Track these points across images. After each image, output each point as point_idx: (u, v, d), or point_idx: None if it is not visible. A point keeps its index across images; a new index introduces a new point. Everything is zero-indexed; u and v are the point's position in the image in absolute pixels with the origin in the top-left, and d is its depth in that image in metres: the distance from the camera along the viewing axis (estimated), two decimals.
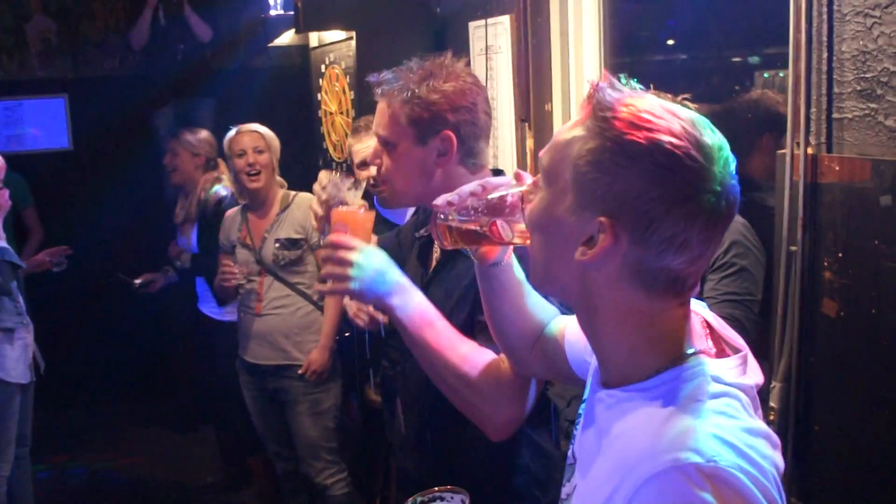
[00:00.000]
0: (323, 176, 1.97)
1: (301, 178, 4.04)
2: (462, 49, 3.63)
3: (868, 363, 1.88)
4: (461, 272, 1.77)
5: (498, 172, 1.90)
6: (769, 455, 0.97)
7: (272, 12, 5.17)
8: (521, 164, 3.33)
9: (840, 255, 1.93)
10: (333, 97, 4.75)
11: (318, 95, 5.01)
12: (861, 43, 1.86)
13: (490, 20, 3.46)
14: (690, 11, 3.19)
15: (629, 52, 3.37)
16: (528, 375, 1.60)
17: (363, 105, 4.03)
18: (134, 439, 5.47)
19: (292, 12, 4.42)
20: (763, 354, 2.09)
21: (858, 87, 1.88)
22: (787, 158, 2.04)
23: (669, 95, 1.87)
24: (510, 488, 1.77)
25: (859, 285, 1.89)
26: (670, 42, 3.49)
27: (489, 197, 1.32)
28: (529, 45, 3.21)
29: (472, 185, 1.37)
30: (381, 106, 1.82)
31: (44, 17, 5.74)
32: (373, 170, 1.90)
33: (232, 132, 3.76)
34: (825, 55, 1.95)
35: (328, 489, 3.72)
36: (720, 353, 1.08)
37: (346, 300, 2.92)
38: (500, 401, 1.59)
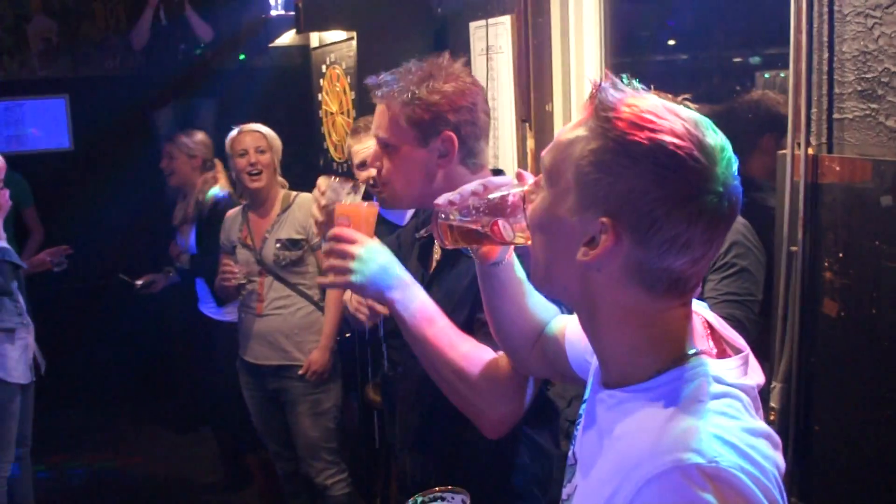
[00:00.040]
0: (321, 182, 1.97)
1: (302, 179, 4.04)
2: (463, 49, 3.63)
3: (868, 363, 1.88)
4: (462, 272, 1.77)
5: (498, 172, 1.90)
6: (770, 455, 0.97)
7: (273, 12, 5.17)
8: (522, 164, 3.33)
9: (841, 255, 1.93)
10: (334, 97, 4.75)
11: (319, 96, 5.01)
12: (862, 43, 1.86)
13: (491, 20, 3.46)
14: (691, 11, 3.19)
15: (630, 52, 3.37)
16: (529, 374, 1.60)
17: (364, 105, 4.03)
18: (134, 439, 5.47)
19: (293, 12, 4.41)
20: (763, 354, 2.09)
21: (859, 88, 1.88)
22: (788, 159, 2.04)
23: (670, 95, 1.87)
24: (510, 488, 1.77)
25: (860, 285, 1.89)
26: (671, 42, 3.49)
27: (490, 196, 1.33)
28: (530, 45, 3.21)
29: (473, 185, 1.37)
30: (381, 108, 1.81)
31: (44, 18, 5.75)
32: (373, 171, 1.89)
33: (234, 132, 3.76)
34: (826, 55, 1.95)
35: (328, 489, 3.72)
36: (721, 354, 1.08)
37: (347, 295, 2.92)
38: (497, 398, 1.59)
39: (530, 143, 3.28)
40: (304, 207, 3.65)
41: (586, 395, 1.21)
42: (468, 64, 1.87)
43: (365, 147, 3.22)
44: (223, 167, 4.40)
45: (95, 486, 4.90)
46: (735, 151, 1.00)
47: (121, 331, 5.33)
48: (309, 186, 2.40)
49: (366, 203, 1.77)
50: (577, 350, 1.36)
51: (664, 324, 1.03)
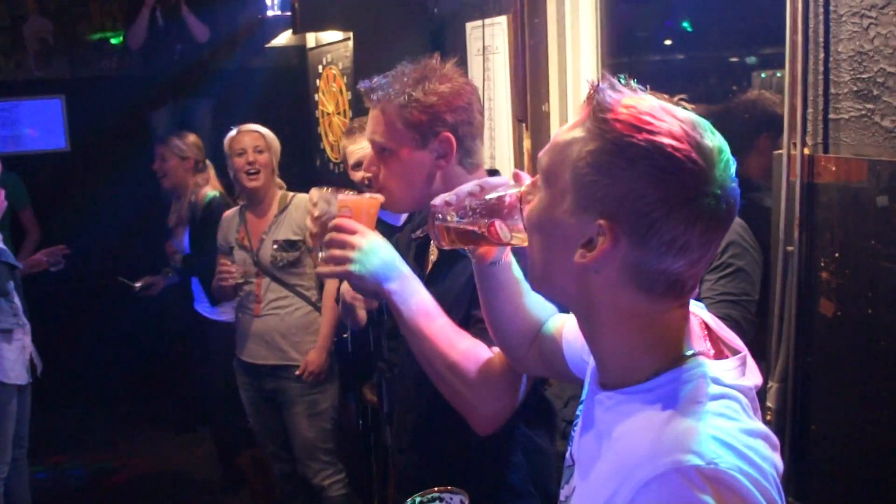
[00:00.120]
0: (314, 193, 1.96)
1: (299, 179, 4.04)
2: (459, 49, 3.63)
3: (865, 363, 1.89)
4: (458, 271, 1.77)
5: (494, 172, 1.91)
6: (769, 456, 0.97)
7: (269, 13, 5.17)
8: (519, 164, 3.33)
9: (837, 255, 1.94)
10: (331, 98, 4.75)
11: (316, 96, 5.00)
12: (857, 44, 1.86)
13: (487, 20, 3.46)
14: (687, 12, 3.19)
15: (626, 52, 3.37)
16: (526, 373, 1.60)
17: (360, 106, 4.01)
18: (132, 440, 5.46)
19: (289, 13, 4.42)
20: (760, 354, 2.09)
21: (855, 88, 1.88)
22: (784, 159, 2.04)
23: (666, 96, 1.87)
24: (508, 487, 1.77)
25: (856, 285, 1.89)
26: (667, 42, 3.49)
27: (487, 197, 1.32)
28: (527, 45, 3.21)
29: (470, 186, 1.37)
30: (375, 113, 1.80)
31: (40, 18, 5.74)
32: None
33: (233, 132, 3.77)
34: (822, 56, 1.95)
35: (326, 490, 3.72)
36: (719, 355, 1.08)
37: (344, 286, 2.92)
38: (490, 393, 1.59)
39: (527, 144, 3.28)
40: (301, 208, 3.64)
41: (583, 396, 1.21)
42: (464, 64, 1.87)
43: (360, 147, 3.21)
44: (214, 168, 4.44)
45: (93, 487, 4.89)
46: (731, 151, 1.00)
47: (118, 331, 5.32)
48: (305, 187, 2.41)
49: (367, 195, 1.77)
50: (575, 350, 1.36)
51: (662, 325, 1.03)
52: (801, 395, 2.05)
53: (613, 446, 1.02)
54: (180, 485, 4.85)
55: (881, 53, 1.81)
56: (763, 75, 2.97)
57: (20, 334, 3.52)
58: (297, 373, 3.62)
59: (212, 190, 4.39)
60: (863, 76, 1.86)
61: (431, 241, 1.82)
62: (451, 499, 1.43)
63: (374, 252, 1.61)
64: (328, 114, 4.82)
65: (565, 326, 1.41)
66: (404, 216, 2.91)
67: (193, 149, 4.52)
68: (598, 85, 1.02)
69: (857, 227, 1.88)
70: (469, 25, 3.64)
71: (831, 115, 1.95)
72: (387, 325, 2.54)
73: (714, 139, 0.98)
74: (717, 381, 1.00)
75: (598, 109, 1.00)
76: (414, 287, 1.64)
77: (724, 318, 1.63)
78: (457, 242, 1.39)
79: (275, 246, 3.64)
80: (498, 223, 1.29)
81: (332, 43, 4.68)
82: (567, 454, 1.19)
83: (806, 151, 2.00)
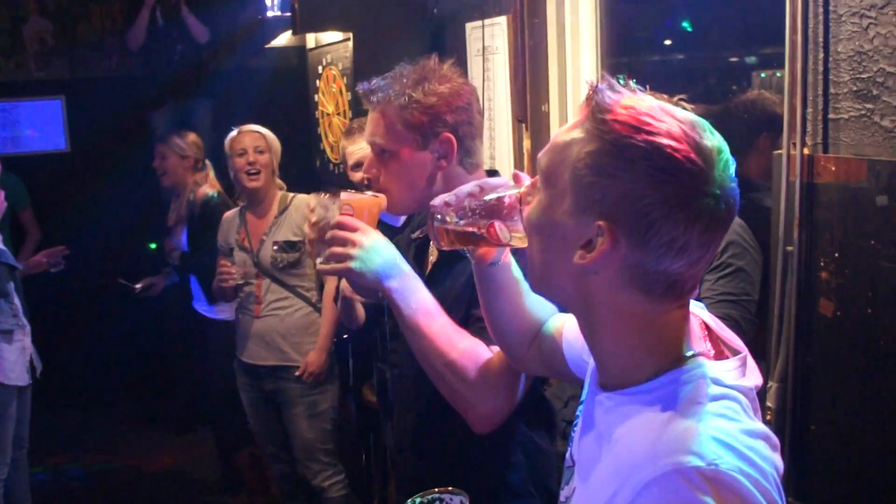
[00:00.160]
0: (311, 199, 1.96)
1: (298, 180, 4.04)
2: (459, 50, 3.63)
3: (864, 363, 1.89)
4: (458, 271, 1.77)
5: (493, 173, 1.91)
6: (769, 457, 0.97)
7: (269, 13, 5.17)
8: (518, 164, 3.34)
9: (836, 255, 1.94)
10: (330, 98, 4.75)
11: (316, 96, 5.01)
12: (857, 43, 1.86)
13: (487, 21, 3.46)
14: (687, 12, 3.20)
15: (626, 52, 3.37)
16: (526, 373, 1.60)
17: (360, 106, 4.02)
18: (132, 440, 5.46)
19: (289, 13, 4.42)
20: (760, 354, 2.09)
21: (854, 88, 1.88)
22: (784, 159, 2.04)
23: (665, 96, 1.88)
24: (508, 487, 1.77)
25: (856, 285, 1.90)
26: (667, 42, 3.49)
27: (487, 198, 1.32)
28: (526, 45, 3.21)
29: (469, 186, 1.37)
30: (374, 115, 1.80)
31: (40, 19, 5.74)
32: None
33: (234, 132, 3.77)
34: (821, 56, 1.95)
35: (325, 491, 3.71)
36: (719, 355, 1.08)
37: (344, 283, 2.91)
38: (487, 391, 1.60)
39: (526, 144, 3.28)
40: (301, 209, 3.64)
41: (583, 397, 1.21)
42: (464, 65, 1.87)
43: (359, 147, 3.21)
44: (213, 168, 4.45)
45: (93, 487, 4.89)
46: (731, 151, 1.00)
47: (118, 331, 5.32)
48: (306, 188, 2.41)
49: (369, 193, 1.76)
50: (575, 349, 1.35)
51: (662, 326, 1.03)
52: (800, 395, 2.05)
53: (613, 447, 1.02)
54: (180, 485, 4.85)
55: (881, 53, 1.81)
56: (763, 75, 2.97)
57: (20, 335, 3.52)
58: (297, 374, 3.62)
59: (210, 189, 4.39)
60: (862, 76, 1.86)
61: (431, 242, 1.82)
62: (451, 499, 1.43)
63: (376, 250, 1.61)
64: (328, 114, 4.82)
65: (565, 326, 1.41)
66: (404, 217, 2.91)
67: (193, 148, 4.53)
68: (597, 86, 1.02)
69: (857, 226, 1.88)
70: (469, 26, 3.64)
71: (831, 115, 1.95)
72: (388, 324, 2.54)
73: (713, 139, 0.98)
74: (717, 382, 1.00)
75: (597, 110, 1.00)
76: (415, 286, 1.64)
77: (724, 318, 1.63)
78: (456, 243, 1.39)
79: (275, 247, 3.64)
80: (497, 224, 1.29)
81: (331, 43, 4.68)
82: (567, 455, 1.19)
83: (805, 151, 2.00)
